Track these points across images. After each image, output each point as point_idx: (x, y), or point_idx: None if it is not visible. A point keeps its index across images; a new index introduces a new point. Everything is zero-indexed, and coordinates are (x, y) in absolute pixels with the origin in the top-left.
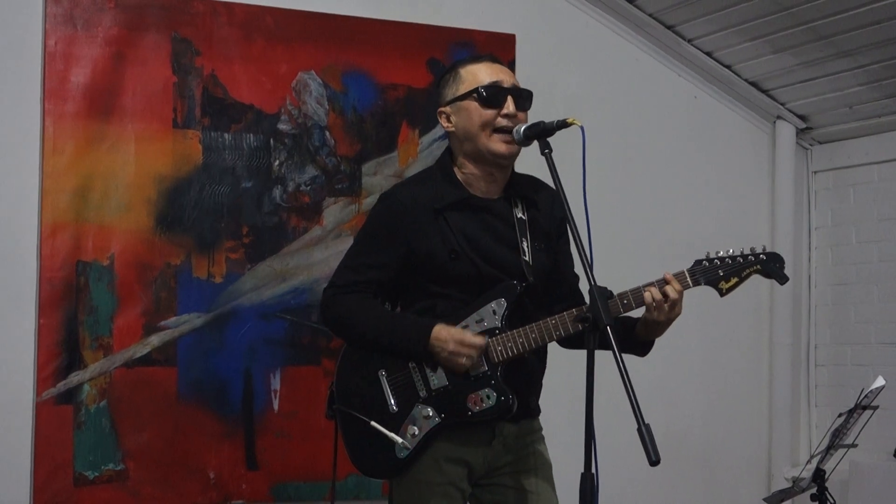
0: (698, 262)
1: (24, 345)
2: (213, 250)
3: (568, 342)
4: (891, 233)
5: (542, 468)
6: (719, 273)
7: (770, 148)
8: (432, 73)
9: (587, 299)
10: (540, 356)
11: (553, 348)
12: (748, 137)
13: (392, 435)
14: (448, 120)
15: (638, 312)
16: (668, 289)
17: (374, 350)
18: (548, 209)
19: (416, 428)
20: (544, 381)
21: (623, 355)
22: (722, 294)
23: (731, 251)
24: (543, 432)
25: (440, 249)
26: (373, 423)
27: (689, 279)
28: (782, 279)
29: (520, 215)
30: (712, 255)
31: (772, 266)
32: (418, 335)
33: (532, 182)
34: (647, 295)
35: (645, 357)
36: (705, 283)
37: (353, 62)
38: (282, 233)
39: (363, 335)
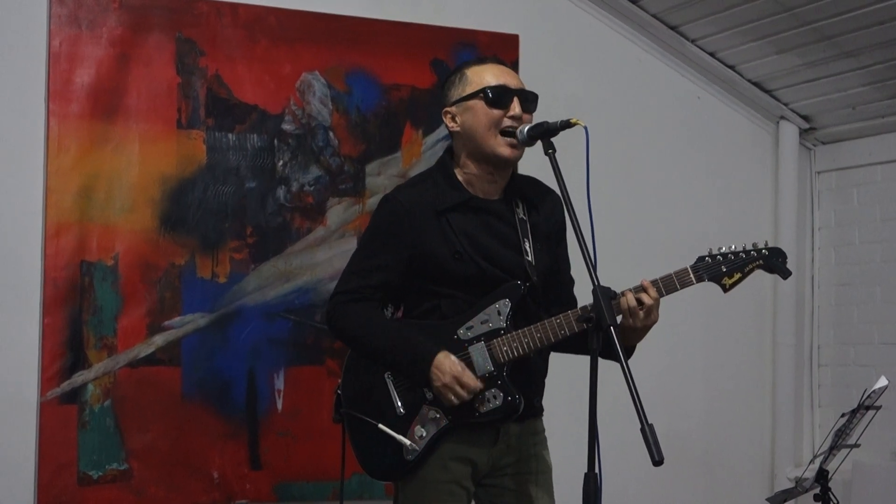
0: (701, 259)
1: (28, 345)
2: (217, 250)
3: (563, 346)
4: (894, 233)
5: (543, 473)
6: (722, 269)
7: (773, 148)
8: (436, 74)
9: (582, 301)
10: (543, 355)
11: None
12: (751, 138)
13: (400, 437)
14: (453, 120)
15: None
16: (643, 296)
17: (378, 363)
18: (548, 212)
19: (423, 430)
20: (547, 382)
21: (624, 357)
22: (725, 290)
23: (733, 247)
24: (546, 433)
25: (443, 251)
26: (381, 425)
27: (692, 276)
28: (785, 274)
29: (521, 216)
30: (715, 252)
31: (774, 261)
32: (421, 362)
33: (533, 184)
34: (622, 301)
35: (648, 355)
36: (709, 280)
37: (357, 62)
38: (286, 233)
39: (368, 349)
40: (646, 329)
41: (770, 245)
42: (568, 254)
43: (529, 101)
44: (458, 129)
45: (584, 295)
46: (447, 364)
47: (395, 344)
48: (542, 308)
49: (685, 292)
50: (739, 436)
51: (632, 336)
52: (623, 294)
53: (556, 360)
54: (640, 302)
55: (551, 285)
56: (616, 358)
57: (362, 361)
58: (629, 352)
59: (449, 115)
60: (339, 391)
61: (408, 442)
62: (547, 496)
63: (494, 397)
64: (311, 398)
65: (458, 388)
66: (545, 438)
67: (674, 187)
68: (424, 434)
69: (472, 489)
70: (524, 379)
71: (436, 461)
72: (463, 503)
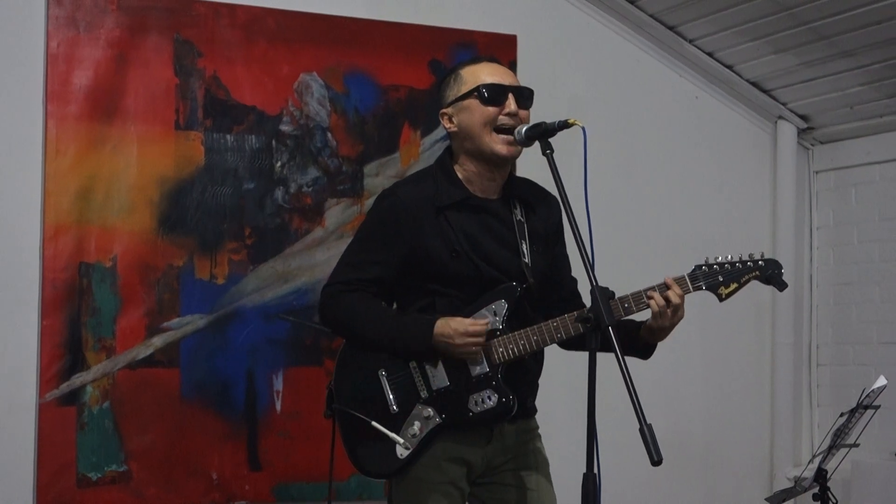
0: (698, 267)
1: (27, 346)
2: (216, 251)
3: (568, 344)
4: (892, 232)
5: (541, 466)
6: (719, 279)
7: (771, 148)
8: (434, 75)
9: (587, 301)
10: (537, 357)
11: (552, 349)
12: (749, 138)
13: (393, 435)
14: (450, 120)
15: (640, 316)
16: (670, 294)
17: (376, 350)
18: (546, 214)
19: (416, 428)
20: (546, 382)
21: (624, 358)
22: (721, 299)
23: (730, 257)
24: (541, 431)
25: (441, 248)
26: (373, 423)
27: (689, 284)
28: (781, 286)
29: (519, 217)
30: (711, 261)
31: (770, 272)
32: (421, 333)
33: (530, 186)
34: (651, 303)
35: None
36: (706, 289)
37: (355, 63)
38: (284, 234)
39: (364, 334)
40: (673, 326)
41: (767, 253)
42: (567, 254)
43: (525, 97)
44: (455, 129)
45: (584, 295)
46: (448, 328)
47: (391, 326)
48: (538, 310)
49: None
50: (738, 435)
51: (659, 334)
52: (650, 296)
53: (555, 361)
54: (667, 300)
55: (548, 287)
56: (636, 354)
57: (356, 357)
58: (650, 350)
59: (446, 117)
60: (331, 387)
61: (401, 440)
62: (548, 486)
63: (489, 398)
64: (309, 399)
65: (470, 339)
66: (539, 434)
67: (672, 187)
68: (417, 432)
69: (466, 490)
70: (518, 380)
71: (430, 461)
72: None
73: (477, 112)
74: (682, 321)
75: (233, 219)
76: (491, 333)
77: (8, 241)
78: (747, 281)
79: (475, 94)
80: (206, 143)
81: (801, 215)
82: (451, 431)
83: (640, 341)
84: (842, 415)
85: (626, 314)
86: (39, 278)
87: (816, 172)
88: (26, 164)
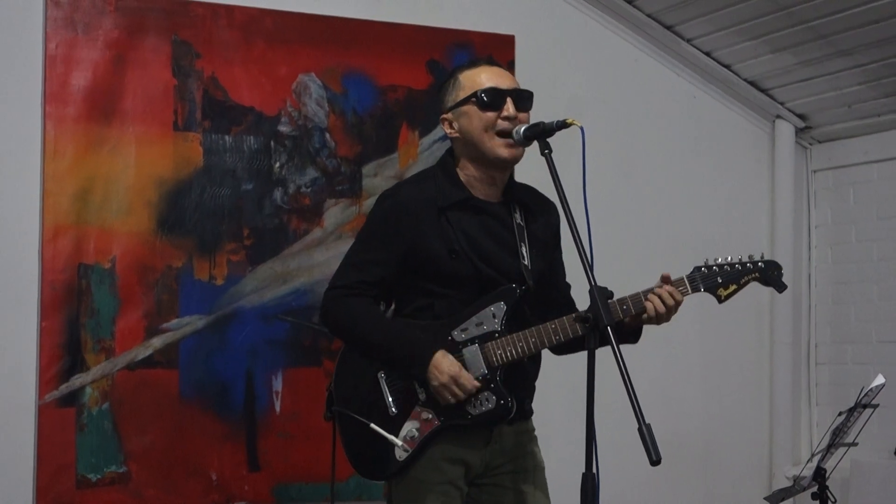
0: (697, 269)
1: (26, 348)
2: (215, 252)
3: (560, 348)
4: (890, 231)
5: (537, 471)
6: (718, 280)
7: (769, 147)
8: (432, 75)
9: (583, 304)
10: (535, 359)
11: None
12: (747, 137)
13: (391, 437)
14: (451, 126)
15: None
16: (667, 297)
17: (373, 359)
18: (545, 219)
19: (415, 430)
20: (544, 383)
21: (624, 355)
22: (720, 301)
23: (729, 258)
24: (540, 432)
25: (440, 248)
26: (372, 425)
27: (688, 286)
28: (780, 287)
29: (519, 221)
30: (711, 262)
31: (770, 274)
32: (419, 359)
33: (530, 191)
34: (648, 305)
35: (645, 355)
36: (704, 290)
37: (353, 64)
38: (283, 235)
39: (364, 344)
40: (666, 320)
41: (766, 253)
42: (563, 261)
43: (524, 99)
44: (456, 134)
45: (582, 295)
46: (445, 364)
47: (393, 340)
48: (536, 313)
49: None
50: (737, 435)
51: (647, 322)
52: (649, 299)
53: (553, 362)
54: (664, 302)
55: (546, 291)
56: (625, 340)
57: (355, 360)
58: (637, 333)
59: (446, 122)
60: (330, 389)
61: (399, 442)
62: (542, 493)
63: (487, 400)
64: (308, 399)
65: (454, 388)
66: (536, 437)
67: (670, 187)
68: (416, 435)
69: (465, 490)
70: (516, 382)
71: (428, 462)
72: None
73: (476, 118)
74: (681, 321)
75: (231, 220)
76: (489, 335)
77: (7, 242)
78: (747, 282)
79: (473, 99)
80: (204, 143)
81: (800, 214)
82: (450, 433)
83: (627, 327)
84: (840, 413)
85: (625, 316)
86: (38, 279)
87: (814, 171)
88: (25, 165)
